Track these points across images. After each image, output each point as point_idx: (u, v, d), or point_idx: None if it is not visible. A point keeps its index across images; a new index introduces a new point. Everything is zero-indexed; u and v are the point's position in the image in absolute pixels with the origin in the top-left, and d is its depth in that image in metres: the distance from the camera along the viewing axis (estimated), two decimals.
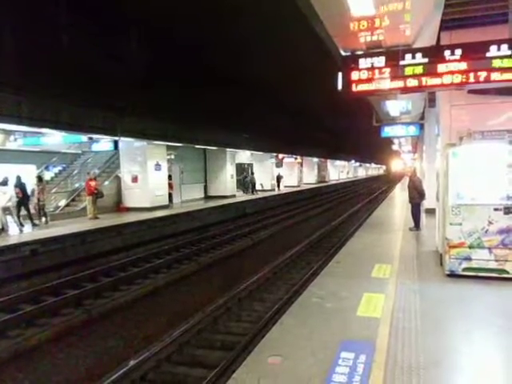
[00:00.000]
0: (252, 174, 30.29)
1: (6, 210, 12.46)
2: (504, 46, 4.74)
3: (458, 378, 3.56)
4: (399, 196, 24.29)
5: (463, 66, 4.78)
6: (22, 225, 12.83)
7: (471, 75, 4.77)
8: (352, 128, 40.98)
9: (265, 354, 3.94)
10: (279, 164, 36.63)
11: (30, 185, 14.05)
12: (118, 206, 18.03)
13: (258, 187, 28.94)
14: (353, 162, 68.14)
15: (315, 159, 44.23)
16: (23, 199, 12.96)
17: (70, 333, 6.83)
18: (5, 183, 12.42)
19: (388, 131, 14.36)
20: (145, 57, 15.05)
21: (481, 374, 3.61)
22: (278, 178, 33.82)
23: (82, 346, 6.39)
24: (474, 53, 4.78)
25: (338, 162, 58.31)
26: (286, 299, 7.62)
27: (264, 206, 24.18)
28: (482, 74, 4.75)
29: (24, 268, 10.01)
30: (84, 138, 16.89)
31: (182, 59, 17.13)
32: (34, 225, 13.23)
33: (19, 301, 8.08)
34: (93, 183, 15.15)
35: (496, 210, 6.19)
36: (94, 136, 16.30)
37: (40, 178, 14.52)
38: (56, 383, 5.37)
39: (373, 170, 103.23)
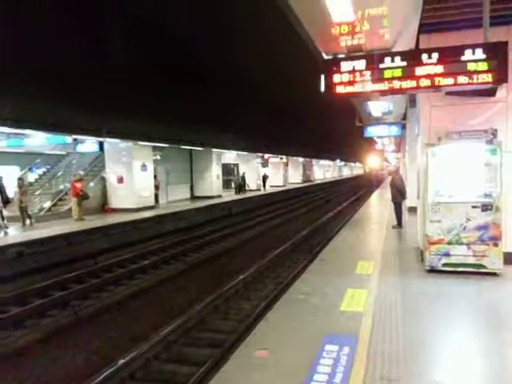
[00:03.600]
0: (237, 174, 30.58)
1: None
2: (478, 50, 4.94)
3: (437, 367, 3.72)
4: (383, 195, 24.63)
5: (440, 69, 4.97)
6: (6, 227, 12.75)
7: (447, 78, 4.97)
8: (336, 128, 41.39)
9: (252, 348, 4.07)
10: (265, 164, 36.86)
11: (13, 187, 13.97)
12: (104, 207, 17.98)
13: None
14: (338, 161, 68.71)
15: (300, 159, 44.55)
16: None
17: (57, 334, 6.87)
18: None
19: (371, 131, 14.62)
20: (130, 56, 15.06)
21: (459, 364, 3.79)
22: (264, 178, 34.06)
23: (70, 347, 6.43)
24: (450, 56, 4.97)
25: (323, 162, 58.77)
26: (272, 297, 7.76)
27: (250, 206, 24.30)
28: (458, 77, 4.95)
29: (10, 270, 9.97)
30: (69, 139, 16.82)
31: (167, 60, 17.16)
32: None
33: (6, 303, 8.08)
34: (78, 184, 15.09)
35: (474, 207, 6.42)
36: (79, 137, 16.25)
37: (21, 180, 14.37)
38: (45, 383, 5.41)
39: (358, 169, 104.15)
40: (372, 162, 64.03)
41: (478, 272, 6.41)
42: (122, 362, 5.41)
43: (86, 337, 6.78)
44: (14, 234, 12.48)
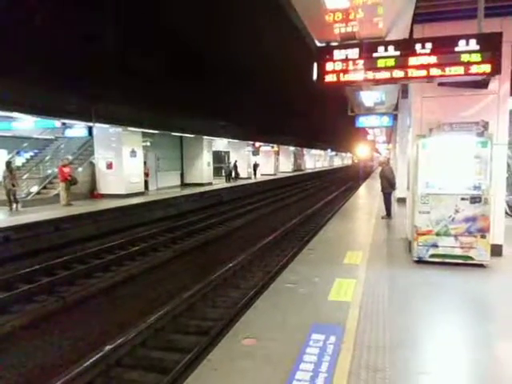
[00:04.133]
0: (228, 161, 30.45)
1: None
2: (472, 41, 4.91)
3: (422, 357, 3.76)
4: (373, 185, 24.72)
5: (433, 59, 4.93)
6: None
7: (440, 69, 4.94)
8: (328, 118, 41.33)
9: (239, 336, 4.07)
10: (256, 152, 36.77)
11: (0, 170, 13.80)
12: (93, 193, 17.82)
13: (233, 175, 29.10)
14: (329, 151, 68.78)
15: (292, 148, 44.50)
16: None
17: (44, 319, 6.82)
18: None
19: (363, 121, 14.60)
20: (121, 41, 14.81)
21: (445, 355, 3.81)
22: (255, 167, 33.99)
23: (56, 333, 6.39)
24: (444, 47, 4.94)
25: (314, 151, 58.79)
26: (260, 286, 7.77)
27: (240, 194, 24.26)
28: (451, 68, 4.92)
29: None
30: (57, 123, 16.56)
31: (159, 45, 16.92)
32: None
33: None
34: (66, 169, 14.91)
35: (463, 199, 6.44)
36: (68, 121, 16.01)
37: (10, 164, 14.17)
38: (30, 369, 5.37)
39: (349, 159, 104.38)
40: (360, 152, 58.90)
41: (465, 263, 6.47)
42: (108, 348, 5.39)
43: (72, 323, 6.74)
44: (1, 218, 12.31)
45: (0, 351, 5.77)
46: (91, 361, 5.03)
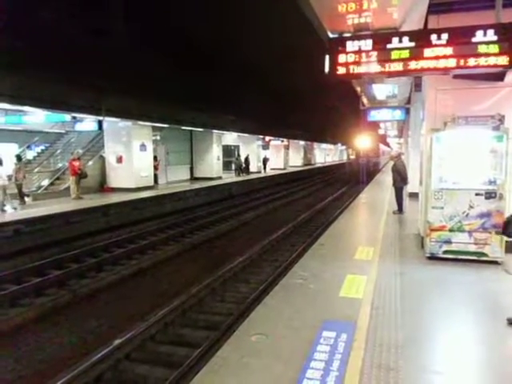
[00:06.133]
0: (239, 156, 30.30)
1: None
2: (490, 32, 4.75)
3: (435, 356, 3.67)
4: (384, 181, 24.48)
5: (449, 50, 4.79)
6: (3, 204, 12.63)
7: (457, 60, 4.79)
8: (340, 111, 40.92)
9: (249, 333, 4.01)
10: (266, 146, 36.60)
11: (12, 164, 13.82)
12: (102, 187, 17.87)
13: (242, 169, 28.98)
14: (339, 145, 68.26)
15: (302, 142, 44.24)
16: None
17: (54, 312, 6.85)
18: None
19: (374, 115, 14.40)
20: (130, 35, 14.76)
21: (458, 353, 3.72)
22: (265, 161, 33.84)
23: (67, 326, 6.41)
24: (460, 38, 4.78)
25: (325, 146, 58.47)
26: (270, 280, 7.71)
27: (250, 188, 24.20)
28: (468, 59, 4.78)
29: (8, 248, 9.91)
30: (67, 117, 16.60)
31: (168, 38, 16.85)
32: None
33: (3, 280, 8.03)
34: (76, 163, 14.93)
35: (477, 194, 6.29)
36: (78, 115, 16.03)
37: (19, 158, 14.23)
38: (40, 361, 5.39)
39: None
40: (361, 144, 37.46)
41: (479, 260, 6.33)
42: (117, 342, 5.38)
43: (82, 316, 6.76)
44: (11, 211, 12.37)
45: (10, 343, 5.80)
46: (100, 355, 5.02)
